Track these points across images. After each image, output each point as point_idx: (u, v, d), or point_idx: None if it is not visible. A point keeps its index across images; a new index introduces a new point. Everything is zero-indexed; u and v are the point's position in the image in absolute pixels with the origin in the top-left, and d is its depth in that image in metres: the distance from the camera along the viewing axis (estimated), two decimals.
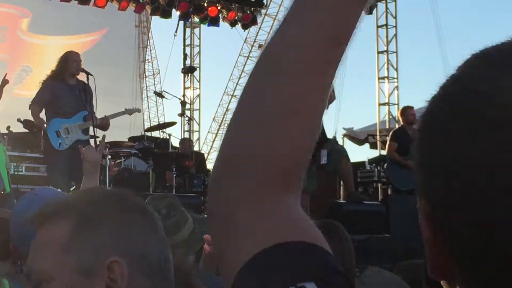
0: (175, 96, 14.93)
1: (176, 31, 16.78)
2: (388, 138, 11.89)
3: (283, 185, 0.89)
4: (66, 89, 8.96)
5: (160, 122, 36.29)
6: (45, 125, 8.95)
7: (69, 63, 8.97)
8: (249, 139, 0.87)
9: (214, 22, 16.25)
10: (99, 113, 9.20)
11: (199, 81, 20.93)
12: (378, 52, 18.48)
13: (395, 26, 18.45)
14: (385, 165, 12.03)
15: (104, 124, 9.25)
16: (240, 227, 0.86)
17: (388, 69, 18.31)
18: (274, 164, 0.87)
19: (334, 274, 0.83)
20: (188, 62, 19.09)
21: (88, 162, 3.56)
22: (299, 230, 0.86)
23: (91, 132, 9.18)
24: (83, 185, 3.54)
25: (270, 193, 0.87)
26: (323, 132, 10.39)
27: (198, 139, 21.94)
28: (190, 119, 18.22)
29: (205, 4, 15.93)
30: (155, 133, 13.83)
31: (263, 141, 0.86)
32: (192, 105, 20.42)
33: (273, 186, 0.87)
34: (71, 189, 9.48)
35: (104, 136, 4.12)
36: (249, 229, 0.86)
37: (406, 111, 11.74)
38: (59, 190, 2.85)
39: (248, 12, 16.33)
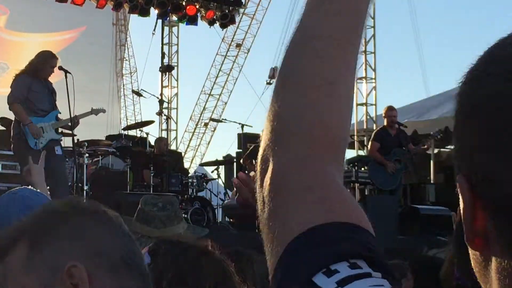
0: (153, 95, 14.92)
1: (154, 30, 16.76)
2: (371, 138, 11.94)
3: (332, 154, 0.95)
4: (39, 87, 8.92)
5: (137, 121, 36.19)
6: (21, 125, 8.87)
7: (46, 66, 8.92)
8: (297, 110, 0.96)
9: (192, 20, 16.23)
10: (76, 111, 9.16)
11: (177, 80, 20.87)
12: None
13: (373, 27, 18.49)
14: (368, 165, 12.07)
15: (73, 124, 9.23)
16: (293, 199, 0.91)
17: (366, 69, 18.35)
18: (322, 132, 0.95)
19: (379, 256, 0.89)
20: (166, 60, 19.03)
21: (33, 179, 3.61)
22: (347, 211, 0.92)
23: (63, 131, 9.19)
24: None
25: (321, 160, 0.93)
26: None
27: (176, 138, 21.87)
28: (168, 118, 18.19)
29: (184, 3, 15.91)
30: (132, 132, 13.79)
31: (310, 111, 0.95)
32: (169, 104, 20.37)
33: (324, 154, 0.94)
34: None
35: (44, 151, 4.10)
36: (301, 202, 0.91)
37: (387, 113, 11.80)
38: (38, 190, 2.83)
39: (227, 11, 16.33)
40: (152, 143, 13.30)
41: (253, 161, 12.38)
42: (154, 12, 15.74)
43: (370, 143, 11.84)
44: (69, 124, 9.09)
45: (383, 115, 11.88)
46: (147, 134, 13.11)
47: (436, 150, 17.23)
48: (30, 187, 2.96)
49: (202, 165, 13.14)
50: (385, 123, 11.79)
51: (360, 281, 0.84)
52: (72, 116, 9.03)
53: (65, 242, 1.47)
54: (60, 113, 9.07)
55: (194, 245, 1.96)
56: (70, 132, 9.39)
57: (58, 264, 1.43)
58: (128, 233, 1.53)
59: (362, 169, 12.99)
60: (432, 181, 16.09)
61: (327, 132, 0.95)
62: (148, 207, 3.64)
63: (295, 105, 0.96)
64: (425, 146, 12.30)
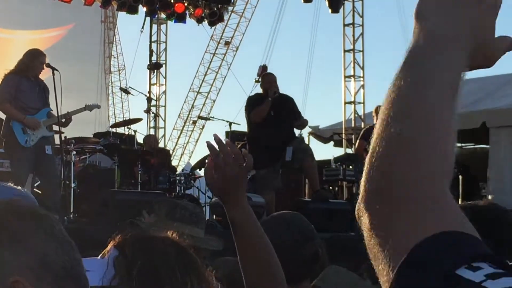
0: (141, 93, 14.90)
1: (142, 27, 16.74)
2: (359, 136, 11.97)
3: (447, 182, 1.03)
4: (28, 85, 8.90)
5: (125, 118, 36.17)
6: (10, 123, 8.86)
7: (36, 63, 8.90)
8: (424, 154, 1.03)
9: (180, 18, 16.22)
10: (64, 109, 9.13)
11: (165, 78, 20.86)
12: (345, 51, 18.54)
13: (362, 25, 18.51)
14: (356, 164, 12.08)
15: (66, 120, 9.21)
16: (419, 208, 0.98)
17: (354, 67, 18.37)
18: (445, 172, 1.03)
19: (499, 260, 0.91)
20: (154, 58, 19.01)
21: None
22: (463, 222, 0.97)
23: (56, 128, 9.14)
24: None
25: (441, 184, 1.02)
26: (292, 131, 10.43)
27: (164, 135, 21.85)
28: (156, 115, 18.17)
29: (172, 1, 15.89)
30: (120, 129, 13.77)
31: (437, 157, 1.04)
32: (158, 102, 20.34)
33: (443, 182, 1.02)
34: (35, 184, 9.44)
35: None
36: (427, 212, 0.98)
37: (377, 111, 11.82)
38: (19, 187, 2.76)
39: (215, 9, 16.32)
40: (140, 140, 13.28)
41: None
42: (142, 9, 15.72)
43: (357, 141, 11.85)
44: (60, 121, 9.06)
45: (374, 112, 11.89)
46: (135, 131, 13.09)
47: None
48: (9, 184, 2.89)
49: (193, 168, 13.11)
50: (374, 122, 11.82)
51: (509, 279, 0.86)
52: (59, 114, 9.01)
53: (5, 252, 1.35)
54: (51, 110, 9.04)
55: (160, 236, 1.93)
56: (69, 127, 9.37)
57: (4, 276, 1.32)
58: (68, 239, 1.44)
59: (350, 167, 13.00)
60: None
61: (448, 169, 1.04)
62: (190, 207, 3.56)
63: (425, 151, 1.04)
64: None
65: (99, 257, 1.89)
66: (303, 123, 10.66)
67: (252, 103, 10.28)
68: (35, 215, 1.43)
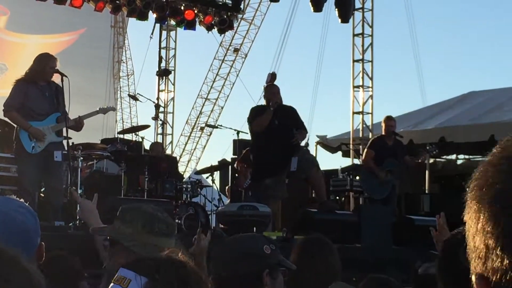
0: (149, 99, 14.89)
1: (152, 33, 16.71)
2: (366, 146, 11.93)
3: None
4: (37, 91, 8.88)
5: (133, 124, 36.22)
6: (17, 128, 8.86)
7: (46, 68, 8.89)
8: None
9: (190, 25, 16.21)
10: (72, 114, 9.11)
11: (173, 84, 20.85)
12: (354, 61, 18.51)
13: (371, 35, 18.49)
14: (360, 173, 12.05)
15: (78, 125, 9.18)
16: None
17: (363, 77, 18.34)
18: None
19: None
20: (163, 65, 19.01)
21: (82, 216, 3.62)
22: None
23: (64, 134, 9.11)
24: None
25: None
26: (297, 142, 10.40)
27: (171, 142, 21.84)
28: (164, 122, 18.16)
29: (182, 8, 15.89)
30: (128, 136, 13.76)
31: None
32: (166, 108, 20.33)
33: None
34: (42, 190, 9.44)
35: (96, 195, 4.01)
36: None
37: (385, 122, 11.77)
38: (21, 200, 2.72)
39: (225, 16, 16.31)
40: (147, 147, 13.27)
41: (245, 165, 12.41)
42: (152, 16, 15.72)
43: (365, 150, 11.81)
44: (72, 125, 9.03)
45: (383, 123, 11.84)
46: (143, 138, 13.09)
47: (431, 160, 17.21)
48: (13, 196, 2.85)
49: (197, 173, 13.10)
50: (383, 132, 11.78)
51: None
52: (67, 120, 8.97)
53: None
54: (61, 115, 8.97)
55: (180, 260, 1.91)
56: (76, 132, 9.32)
57: None
58: None
59: (357, 177, 12.99)
60: (427, 191, 16.07)
61: None
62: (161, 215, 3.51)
63: None
64: (420, 161, 12.24)
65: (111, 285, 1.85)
66: (302, 134, 10.55)
67: (255, 114, 10.28)
68: (27, 278, 1.36)
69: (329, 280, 3.38)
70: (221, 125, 13.90)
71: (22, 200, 2.62)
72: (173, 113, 21.48)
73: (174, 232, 3.42)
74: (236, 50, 34.86)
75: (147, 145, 13.31)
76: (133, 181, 11.47)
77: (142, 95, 14.88)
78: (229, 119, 56.56)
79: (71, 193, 8.26)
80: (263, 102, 10.80)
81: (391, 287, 4.57)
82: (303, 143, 10.92)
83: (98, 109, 9.85)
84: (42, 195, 9.37)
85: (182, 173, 18.08)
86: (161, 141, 17.92)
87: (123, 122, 39.73)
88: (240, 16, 20.20)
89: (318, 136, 17.75)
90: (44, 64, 8.93)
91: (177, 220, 9.38)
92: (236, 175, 13.02)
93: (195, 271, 1.85)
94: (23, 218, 2.48)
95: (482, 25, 77.71)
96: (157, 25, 16.73)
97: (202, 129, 35.95)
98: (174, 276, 1.79)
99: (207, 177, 13.69)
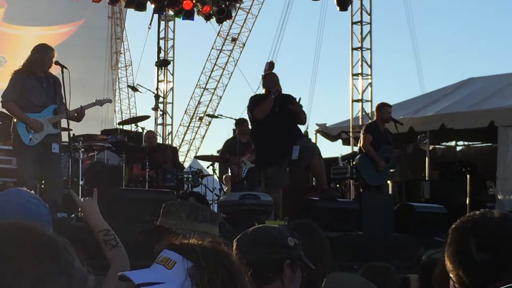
0: (149, 90, 14.87)
1: (150, 24, 16.69)
2: (362, 131, 11.90)
3: None
4: (35, 83, 8.83)
5: (132, 114, 36.19)
6: (14, 120, 8.84)
7: (44, 58, 8.84)
8: None
9: (189, 15, 16.19)
10: (72, 105, 9.09)
11: (172, 75, 20.82)
12: (353, 49, 18.49)
13: (370, 23, 18.46)
14: (357, 157, 12.03)
15: (79, 115, 9.15)
16: None
17: (362, 65, 18.33)
18: None
19: None
20: (161, 55, 18.99)
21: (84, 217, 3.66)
22: None
23: (63, 125, 9.09)
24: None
25: None
26: (298, 129, 10.41)
27: (171, 132, 21.83)
28: (164, 112, 18.15)
29: None
30: (127, 126, 13.76)
31: None
32: (165, 99, 20.32)
33: None
34: (42, 182, 9.44)
35: (96, 190, 4.04)
36: None
37: (383, 109, 11.77)
38: (32, 191, 2.77)
39: (223, 6, 16.29)
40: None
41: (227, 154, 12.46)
42: (150, 6, 15.69)
43: (362, 136, 11.76)
44: (73, 116, 9.01)
45: (379, 111, 11.80)
46: (143, 129, 13.10)
47: (431, 147, 17.22)
48: (24, 188, 2.89)
49: (197, 157, 13.08)
50: (377, 118, 11.78)
51: None
52: (68, 110, 8.96)
53: None
54: (58, 106, 8.95)
55: (221, 248, 1.94)
56: (76, 123, 9.29)
57: None
58: (84, 273, 1.39)
59: (353, 163, 12.95)
60: (427, 178, 16.08)
61: None
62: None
63: None
64: (410, 150, 12.15)
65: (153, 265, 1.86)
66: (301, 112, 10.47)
67: (255, 101, 10.28)
68: (55, 254, 1.35)
69: (320, 269, 3.33)
70: (221, 115, 13.88)
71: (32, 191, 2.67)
72: (172, 103, 21.47)
73: (218, 219, 3.53)
74: (234, 40, 34.83)
75: None
76: (134, 171, 11.52)
77: (141, 86, 14.87)
78: (228, 108, 56.61)
79: (71, 194, 8.25)
80: (261, 91, 10.80)
81: (390, 274, 4.59)
82: (302, 130, 10.92)
83: (94, 100, 9.83)
84: (43, 186, 9.37)
85: (182, 163, 18.08)
86: (160, 132, 17.95)
87: (121, 113, 39.74)
88: (238, 5, 20.16)
89: (317, 125, 17.73)
90: (43, 54, 8.89)
91: None
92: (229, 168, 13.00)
93: (238, 263, 1.89)
94: (37, 209, 2.53)
95: (481, 11, 77.64)
96: (155, 16, 16.71)
97: (201, 119, 35.95)
98: (219, 266, 1.81)
99: (207, 167, 13.68)
